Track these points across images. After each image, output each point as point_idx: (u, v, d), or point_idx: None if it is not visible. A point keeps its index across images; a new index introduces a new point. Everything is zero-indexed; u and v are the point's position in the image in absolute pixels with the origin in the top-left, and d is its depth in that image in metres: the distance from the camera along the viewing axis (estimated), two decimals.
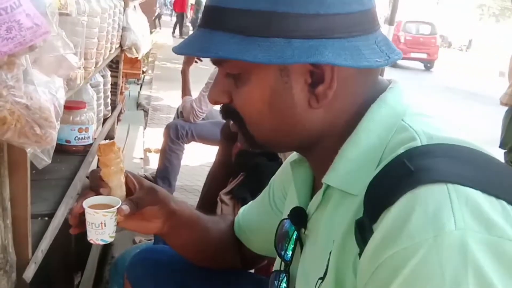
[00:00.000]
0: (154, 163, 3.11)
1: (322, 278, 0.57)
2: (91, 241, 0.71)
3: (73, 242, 1.64)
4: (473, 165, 0.49)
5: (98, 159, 0.74)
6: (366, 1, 0.56)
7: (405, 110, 0.59)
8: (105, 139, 2.33)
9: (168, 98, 5.59)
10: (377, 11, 0.59)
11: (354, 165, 0.57)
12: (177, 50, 0.59)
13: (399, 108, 0.59)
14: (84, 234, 0.72)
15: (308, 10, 0.53)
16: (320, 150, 0.62)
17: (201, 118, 2.63)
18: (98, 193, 0.73)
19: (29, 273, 1.00)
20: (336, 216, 0.58)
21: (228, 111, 0.63)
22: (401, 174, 0.48)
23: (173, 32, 14.26)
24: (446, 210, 0.43)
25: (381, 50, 0.56)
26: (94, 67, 1.63)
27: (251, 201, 0.92)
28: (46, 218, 1.25)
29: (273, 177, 0.87)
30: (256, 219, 0.87)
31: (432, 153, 0.50)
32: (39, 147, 0.92)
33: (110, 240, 0.71)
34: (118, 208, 0.70)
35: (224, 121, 2.62)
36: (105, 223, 0.69)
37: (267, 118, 0.59)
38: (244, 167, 1.57)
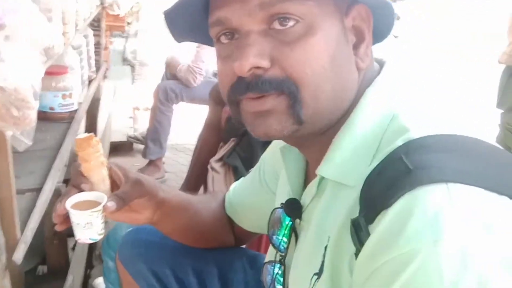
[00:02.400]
0: (143, 121, 3.06)
1: (318, 274, 0.56)
2: (79, 241, 0.69)
3: None
4: (472, 157, 0.47)
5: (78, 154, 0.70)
6: None
7: (401, 95, 0.56)
8: (93, 101, 2.28)
9: (155, 52, 5.43)
10: None
11: (350, 155, 0.54)
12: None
13: (395, 93, 0.56)
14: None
15: None
16: (316, 139, 0.59)
17: (199, 81, 2.54)
18: (81, 190, 0.69)
19: (19, 254, 0.99)
20: (331, 208, 0.56)
21: (265, 81, 0.52)
22: (399, 173, 0.46)
23: None
24: (446, 213, 0.41)
25: None
26: (74, 30, 1.54)
27: (242, 178, 0.90)
28: (34, 193, 1.23)
29: (263, 155, 0.85)
30: (247, 197, 0.86)
31: (430, 147, 0.48)
32: (18, 129, 0.88)
33: (99, 237, 0.69)
34: (104, 206, 0.67)
35: (215, 79, 2.56)
36: (91, 222, 0.67)
37: (329, 76, 0.52)
38: (235, 133, 1.54)
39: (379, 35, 0.60)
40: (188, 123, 3.26)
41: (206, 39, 0.61)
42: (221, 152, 1.57)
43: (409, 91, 0.57)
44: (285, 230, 0.66)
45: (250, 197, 0.85)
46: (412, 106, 0.55)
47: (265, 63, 0.52)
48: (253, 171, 0.86)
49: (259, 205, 0.82)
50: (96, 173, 0.69)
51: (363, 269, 0.46)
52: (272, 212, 0.70)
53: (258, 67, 0.52)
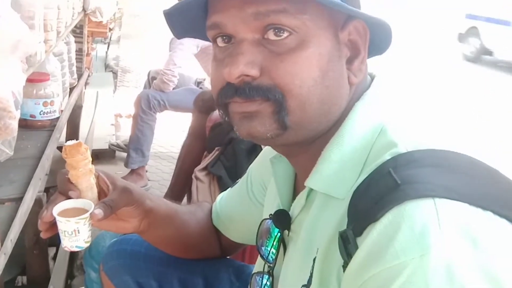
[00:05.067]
0: (125, 129, 3.03)
1: (306, 286, 0.56)
2: (66, 248, 0.68)
3: None
4: (458, 172, 0.48)
5: (66, 162, 0.69)
6: None
7: (390, 110, 0.57)
8: (74, 108, 2.25)
9: (137, 58, 5.40)
10: None
11: (338, 167, 0.55)
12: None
13: (384, 107, 0.57)
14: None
15: None
16: (303, 149, 0.60)
17: (174, 83, 2.54)
18: (68, 197, 0.69)
19: None
20: (320, 220, 0.57)
21: (253, 88, 0.53)
22: (387, 187, 0.47)
23: None
24: (433, 228, 0.42)
25: None
26: (56, 38, 1.52)
27: (229, 189, 0.90)
28: (14, 203, 1.20)
29: (251, 166, 0.85)
30: (234, 208, 0.86)
31: (417, 162, 0.49)
32: None
33: (86, 245, 0.68)
34: (91, 213, 0.66)
35: (198, 88, 2.55)
36: (78, 230, 0.66)
37: (319, 89, 0.53)
38: (219, 142, 1.53)
39: (377, 49, 0.60)
40: (172, 131, 3.24)
41: (206, 36, 0.61)
42: (205, 161, 1.57)
43: (398, 104, 0.58)
44: (273, 241, 0.66)
45: (237, 208, 0.85)
46: (401, 120, 0.56)
47: (254, 72, 0.53)
48: (240, 182, 0.86)
49: (246, 216, 0.81)
50: (84, 180, 0.69)
51: (351, 281, 0.46)
52: (261, 223, 0.70)
53: (247, 75, 0.53)
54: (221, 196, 0.90)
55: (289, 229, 0.64)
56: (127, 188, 0.74)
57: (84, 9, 2.12)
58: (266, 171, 0.74)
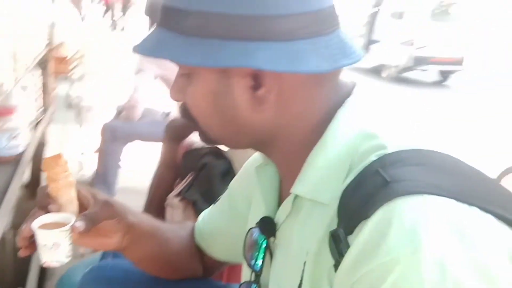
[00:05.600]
0: (91, 166, 2.96)
1: None
2: (45, 264, 0.65)
3: (11, 259, 1.52)
4: (443, 171, 0.50)
5: (46, 175, 0.67)
6: (315, 2, 0.54)
7: (372, 115, 0.59)
8: (38, 144, 2.18)
9: (101, 96, 5.34)
10: (335, 11, 0.57)
11: (323, 173, 0.56)
12: (135, 49, 0.60)
13: (366, 113, 0.59)
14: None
15: (246, 11, 0.52)
16: (285, 154, 0.61)
17: (141, 108, 2.47)
18: (48, 212, 0.66)
19: None
20: (308, 226, 0.57)
21: (184, 111, 0.63)
22: (376, 185, 0.48)
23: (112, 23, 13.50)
24: (423, 224, 0.43)
25: (331, 54, 0.54)
26: (23, 70, 1.50)
27: (211, 207, 0.89)
28: None
29: (231, 183, 0.85)
30: (217, 224, 0.85)
31: (404, 161, 0.50)
32: None
33: (66, 260, 0.66)
34: (72, 226, 0.64)
35: (163, 120, 2.54)
36: (59, 243, 0.64)
37: (213, 119, 0.60)
38: (192, 167, 1.53)
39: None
40: (140, 163, 3.19)
41: None
42: (178, 188, 1.55)
43: (379, 109, 0.60)
44: (260, 250, 0.66)
45: (220, 223, 0.84)
46: (383, 124, 0.57)
47: (180, 98, 0.63)
48: (222, 198, 0.86)
49: (230, 231, 0.81)
50: (65, 193, 0.67)
51: (344, 279, 0.47)
52: (247, 233, 0.69)
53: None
54: (203, 214, 0.90)
55: (274, 236, 0.64)
56: (109, 201, 0.73)
57: (49, 43, 2.11)
58: (249, 182, 0.75)
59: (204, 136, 0.65)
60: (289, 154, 0.61)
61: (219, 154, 1.49)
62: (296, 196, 0.59)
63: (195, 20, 0.53)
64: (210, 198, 1.34)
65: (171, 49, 0.55)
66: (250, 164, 0.78)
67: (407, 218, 0.44)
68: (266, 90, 0.56)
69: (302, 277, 0.55)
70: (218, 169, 1.43)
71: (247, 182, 0.77)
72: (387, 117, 0.59)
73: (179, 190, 1.53)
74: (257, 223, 0.67)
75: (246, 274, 0.71)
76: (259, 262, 0.66)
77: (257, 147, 0.65)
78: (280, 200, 0.67)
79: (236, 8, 0.52)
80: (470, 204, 0.47)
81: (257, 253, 0.67)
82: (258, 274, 0.67)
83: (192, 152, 1.55)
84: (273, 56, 0.52)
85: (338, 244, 0.49)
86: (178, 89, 0.62)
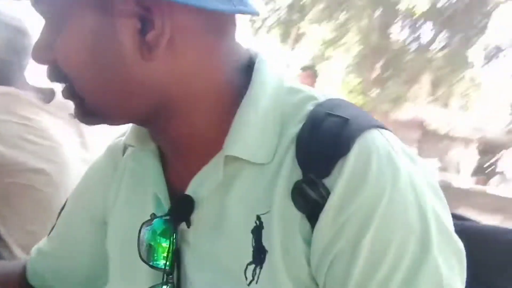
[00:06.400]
0: None
1: (255, 262, 0.49)
2: None
3: None
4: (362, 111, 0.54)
5: None
6: None
7: (285, 74, 0.56)
8: None
9: None
10: None
11: (258, 130, 0.51)
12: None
13: (281, 73, 0.56)
14: None
15: None
16: (191, 122, 0.52)
17: None
18: None
19: None
20: (251, 191, 0.50)
21: (54, 73, 0.51)
22: (337, 125, 0.48)
23: None
24: (391, 151, 0.47)
25: None
26: None
27: (45, 238, 0.74)
28: None
29: (70, 196, 0.71)
30: (66, 248, 0.70)
31: (340, 105, 0.52)
32: None
33: None
34: None
35: None
36: None
37: (94, 71, 0.49)
38: None
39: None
40: None
41: None
42: None
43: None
44: (170, 243, 0.54)
45: (68, 246, 0.70)
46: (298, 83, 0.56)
47: (48, 57, 0.51)
48: (61, 219, 0.71)
49: (93, 246, 0.67)
50: None
51: (331, 222, 0.46)
52: (140, 230, 0.56)
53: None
54: (37, 248, 0.74)
55: (188, 220, 0.54)
56: None
57: None
58: (104, 184, 0.65)
59: (80, 108, 0.52)
60: (196, 120, 0.52)
61: None
62: (226, 161, 0.51)
63: None
64: None
65: None
66: (111, 154, 0.67)
67: (380, 148, 0.47)
68: (156, 34, 0.48)
69: (259, 246, 0.49)
70: None
71: (100, 186, 0.66)
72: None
73: None
74: (153, 214, 0.56)
75: (149, 280, 0.57)
76: (166, 259, 0.54)
77: (147, 119, 0.53)
78: (171, 188, 0.57)
79: None
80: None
81: (156, 254, 0.55)
82: (169, 272, 0.54)
83: None
84: None
85: (308, 192, 0.47)
86: (45, 44, 0.50)
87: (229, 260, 0.51)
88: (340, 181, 0.45)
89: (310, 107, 0.51)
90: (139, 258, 0.55)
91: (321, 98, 0.52)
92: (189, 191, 0.54)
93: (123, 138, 0.64)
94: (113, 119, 0.54)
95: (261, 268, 0.49)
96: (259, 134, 0.51)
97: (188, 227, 0.54)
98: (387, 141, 0.48)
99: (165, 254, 0.54)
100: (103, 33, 0.48)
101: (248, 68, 0.54)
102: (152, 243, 0.55)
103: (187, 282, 0.54)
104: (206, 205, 0.53)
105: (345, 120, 0.48)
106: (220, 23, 0.51)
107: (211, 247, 0.53)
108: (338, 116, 0.49)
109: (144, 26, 0.47)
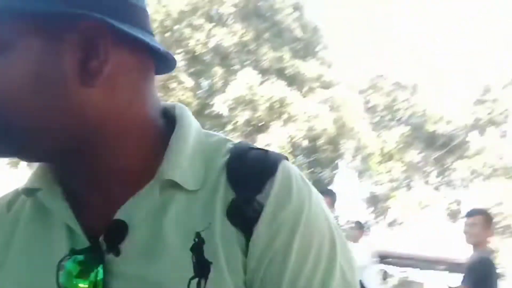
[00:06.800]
0: None
1: (199, 275, 0.53)
2: None
3: None
4: None
5: None
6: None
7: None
8: None
9: None
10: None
11: (188, 161, 0.57)
12: None
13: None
14: None
15: None
16: (117, 155, 0.55)
17: None
18: None
19: None
20: (187, 213, 0.55)
21: None
22: (260, 154, 0.59)
23: None
24: (302, 175, 0.59)
25: (158, 45, 0.56)
26: None
27: None
28: None
29: None
30: None
31: (250, 144, 0.62)
32: None
33: None
34: None
35: None
36: None
37: (35, 96, 0.51)
38: None
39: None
40: None
41: None
42: None
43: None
44: (95, 273, 0.53)
45: None
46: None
47: None
48: None
49: None
50: None
51: (266, 231, 0.53)
52: (58, 269, 0.54)
53: None
54: None
55: (117, 248, 0.54)
56: None
57: None
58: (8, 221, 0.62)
59: (5, 143, 0.53)
60: (128, 153, 0.56)
61: None
62: (162, 186, 0.55)
63: None
64: None
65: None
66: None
67: (296, 172, 0.58)
68: (100, 61, 0.52)
69: (202, 261, 0.53)
70: None
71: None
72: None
73: None
74: (73, 249, 0.55)
75: None
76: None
77: (71, 154, 0.54)
78: (85, 228, 0.56)
79: None
80: None
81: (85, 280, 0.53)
82: None
83: None
84: (112, 12, 0.51)
85: (244, 209, 0.54)
86: None
87: (167, 280, 0.53)
88: (271, 197, 0.54)
89: (229, 145, 0.60)
90: None
91: (231, 140, 0.62)
92: (120, 217, 0.55)
93: (18, 188, 0.62)
94: (34, 151, 0.54)
95: (206, 279, 0.52)
96: (189, 165, 0.56)
97: (117, 255, 0.54)
98: (296, 168, 0.60)
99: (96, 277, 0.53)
100: (48, 59, 0.51)
101: (163, 109, 0.60)
102: (67, 287, 0.53)
103: None
104: (139, 231, 0.55)
105: (265, 151, 0.60)
106: (149, 66, 0.57)
107: (146, 272, 0.54)
108: (258, 148, 0.60)
109: (88, 55, 0.51)
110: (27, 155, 0.56)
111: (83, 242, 0.55)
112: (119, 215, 0.55)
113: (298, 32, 12.49)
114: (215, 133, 0.64)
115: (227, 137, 0.63)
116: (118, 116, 0.54)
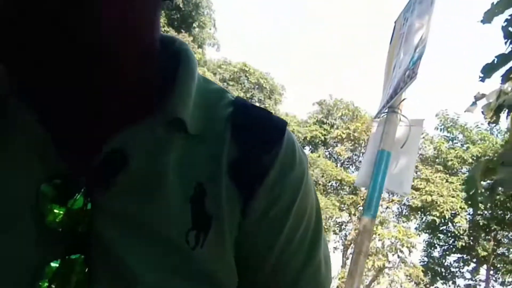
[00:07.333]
0: None
1: (197, 228, 0.49)
2: None
3: None
4: None
5: None
6: None
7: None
8: None
9: None
10: None
11: (193, 102, 0.52)
12: None
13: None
14: None
15: None
16: (121, 73, 0.46)
17: None
18: None
19: None
20: (188, 158, 0.50)
21: None
22: (265, 114, 0.57)
23: None
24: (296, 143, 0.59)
25: None
26: None
27: None
28: None
29: None
30: None
31: (247, 103, 0.59)
32: None
33: None
34: None
35: None
36: None
37: None
38: None
39: None
40: None
41: None
42: None
43: None
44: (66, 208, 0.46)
45: None
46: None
47: None
48: None
49: None
50: None
51: (269, 192, 0.52)
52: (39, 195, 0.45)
53: None
54: None
55: (113, 180, 0.47)
56: None
57: None
58: None
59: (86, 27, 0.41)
60: (128, 72, 0.47)
61: None
62: (163, 124, 0.49)
63: None
64: None
65: None
66: None
67: (295, 139, 0.58)
68: None
69: (195, 211, 0.49)
70: None
71: None
72: None
73: None
74: (50, 174, 0.46)
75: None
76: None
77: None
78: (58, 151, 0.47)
79: None
80: None
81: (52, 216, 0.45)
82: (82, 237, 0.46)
83: None
84: None
85: (249, 169, 0.52)
86: None
87: (162, 227, 0.48)
88: (278, 160, 0.53)
89: (230, 96, 0.57)
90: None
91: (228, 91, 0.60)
92: (116, 146, 0.47)
93: None
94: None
95: (205, 233, 0.49)
96: (194, 106, 0.52)
97: (106, 189, 0.47)
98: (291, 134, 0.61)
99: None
100: None
101: (162, 41, 0.52)
102: (41, 212, 0.45)
103: (103, 251, 0.46)
104: (138, 164, 0.48)
105: (269, 112, 0.58)
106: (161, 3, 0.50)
107: (139, 211, 0.48)
108: (260, 108, 0.58)
109: None
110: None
111: (59, 168, 0.46)
112: (115, 144, 0.47)
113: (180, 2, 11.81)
114: (210, 79, 0.60)
115: (223, 87, 0.60)
116: (130, 38, 0.45)
